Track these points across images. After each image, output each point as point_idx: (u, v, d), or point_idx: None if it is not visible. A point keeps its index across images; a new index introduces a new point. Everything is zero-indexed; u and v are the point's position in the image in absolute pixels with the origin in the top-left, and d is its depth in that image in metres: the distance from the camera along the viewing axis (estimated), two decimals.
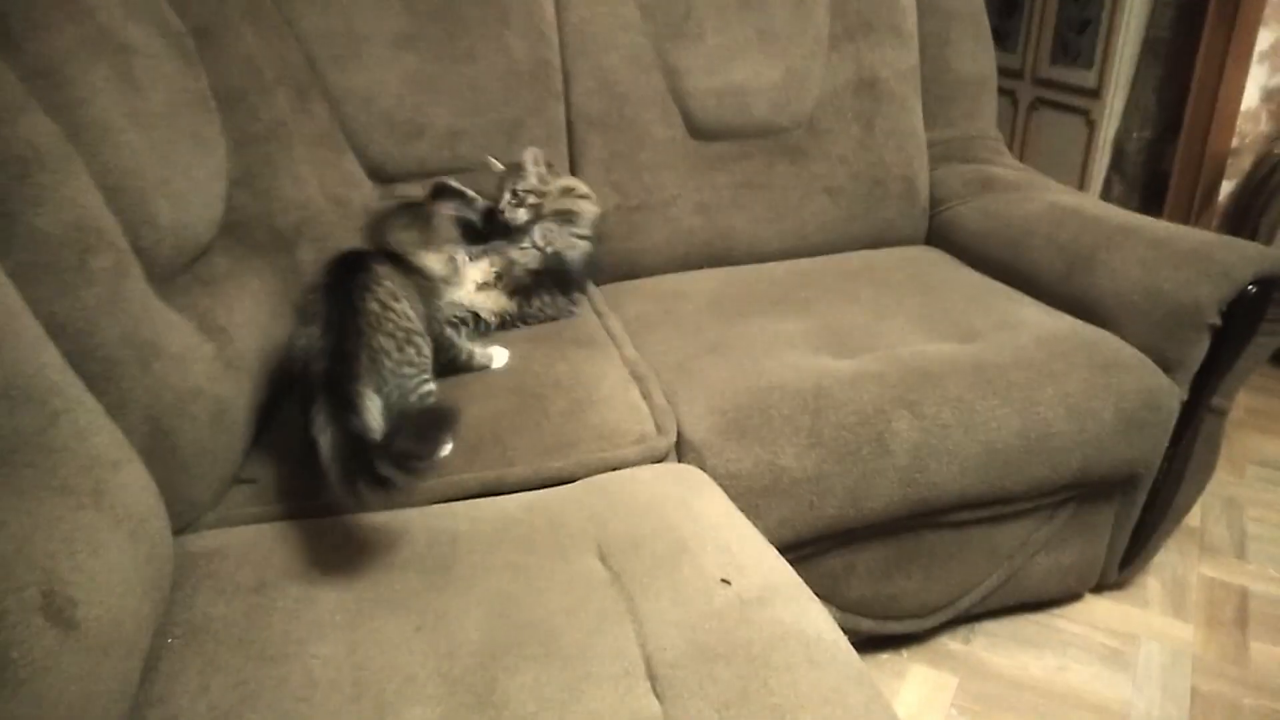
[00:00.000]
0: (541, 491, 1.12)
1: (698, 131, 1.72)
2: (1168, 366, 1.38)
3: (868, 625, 1.38)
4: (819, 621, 0.91)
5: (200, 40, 1.33)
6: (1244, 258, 1.36)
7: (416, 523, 1.03)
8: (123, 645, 0.76)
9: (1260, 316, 1.38)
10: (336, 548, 0.99)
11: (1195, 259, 1.39)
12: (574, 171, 1.68)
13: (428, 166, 1.57)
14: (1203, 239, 1.43)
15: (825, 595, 1.33)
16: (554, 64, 1.66)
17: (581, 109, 1.68)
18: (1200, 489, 1.51)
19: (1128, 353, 1.37)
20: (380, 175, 1.55)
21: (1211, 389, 1.42)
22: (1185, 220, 2.60)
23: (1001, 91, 3.32)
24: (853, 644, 1.42)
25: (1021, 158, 3.25)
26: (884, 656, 1.44)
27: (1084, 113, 2.90)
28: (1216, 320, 1.36)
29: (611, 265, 1.70)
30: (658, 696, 0.81)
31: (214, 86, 1.32)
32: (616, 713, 0.79)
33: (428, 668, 0.82)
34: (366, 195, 1.52)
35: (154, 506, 0.89)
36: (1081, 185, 2.90)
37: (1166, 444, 1.41)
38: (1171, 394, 1.37)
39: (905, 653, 1.44)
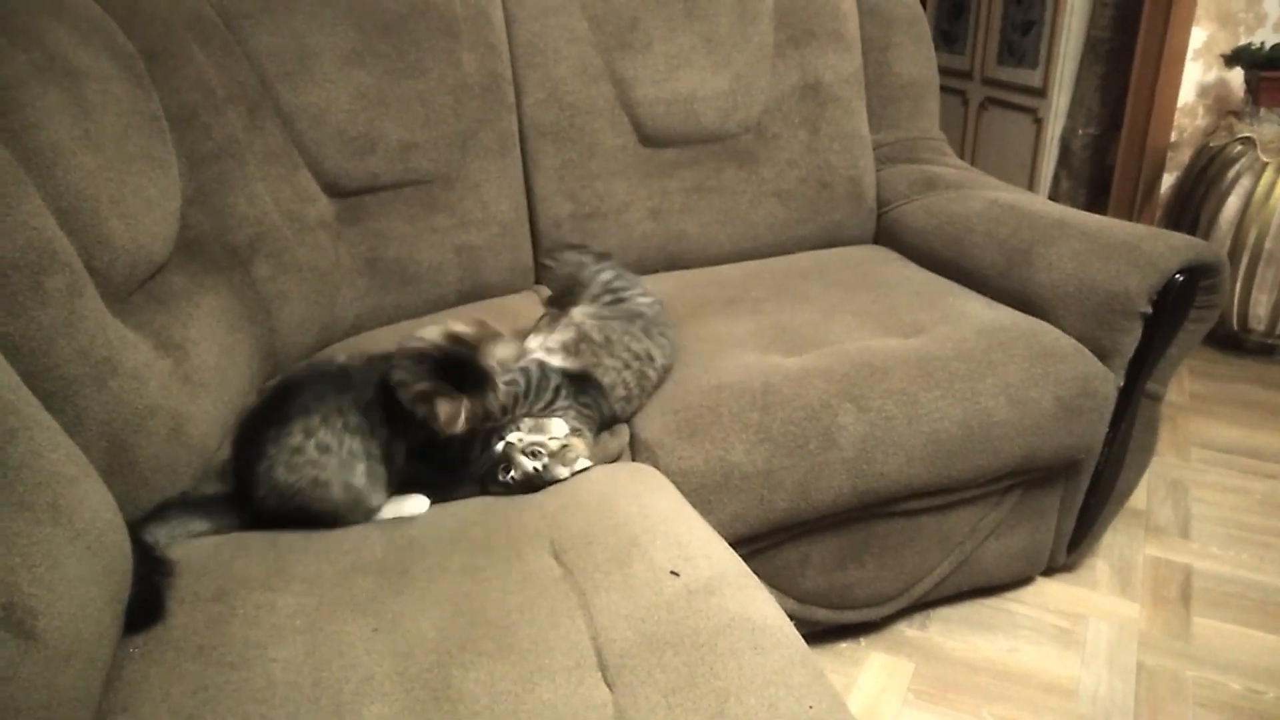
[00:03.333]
0: (495, 496, 1.15)
1: (648, 139, 1.76)
2: (1103, 354, 1.43)
3: (824, 615, 1.42)
4: (765, 609, 0.94)
5: (151, 62, 1.34)
6: (1171, 248, 1.41)
7: (374, 529, 1.06)
8: (83, 655, 0.77)
9: (1188, 304, 1.44)
10: (295, 556, 1.01)
11: (1125, 251, 1.44)
12: (527, 181, 1.71)
13: (382, 180, 1.60)
14: (1132, 231, 1.49)
15: (781, 587, 1.37)
16: (505, 76, 1.69)
17: (533, 120, 1.71)
18: (1141, 471, 1.57)
19: (1065, 342, 1.42)
20: (335, 190, 1.57)
21: (1146, 375, 1.47)
22: (1129, 213, 2.69)
23: (952, 92, 3.41)
24: (810, 634, 1.48)
25: (973, 156, 3.34)
26: (842, 645, 1.48)
27: (1031, 111, 2.98)
28: (1147, 309, 1.41)
29: None
30: (608, 685, 0.84)
31: (166, 107, 1.34)
32: (568, 703, 0.82)
33: (385, 667, 0.85)
34: (322, 210, 1.55)
35: (112, 520, 0.90)
36: (1031, 181, 2.98)
37: (1106, 429, 1.46)
38: (1107, 380, 1.42)
39: (863, 641, 1.49)
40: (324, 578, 0.97)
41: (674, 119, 1.76)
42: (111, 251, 1.09)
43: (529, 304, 1.62)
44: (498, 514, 1.09)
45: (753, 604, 0.94)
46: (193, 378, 1.16)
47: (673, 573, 0.96)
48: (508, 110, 1.69)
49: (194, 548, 1.02)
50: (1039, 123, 2.94)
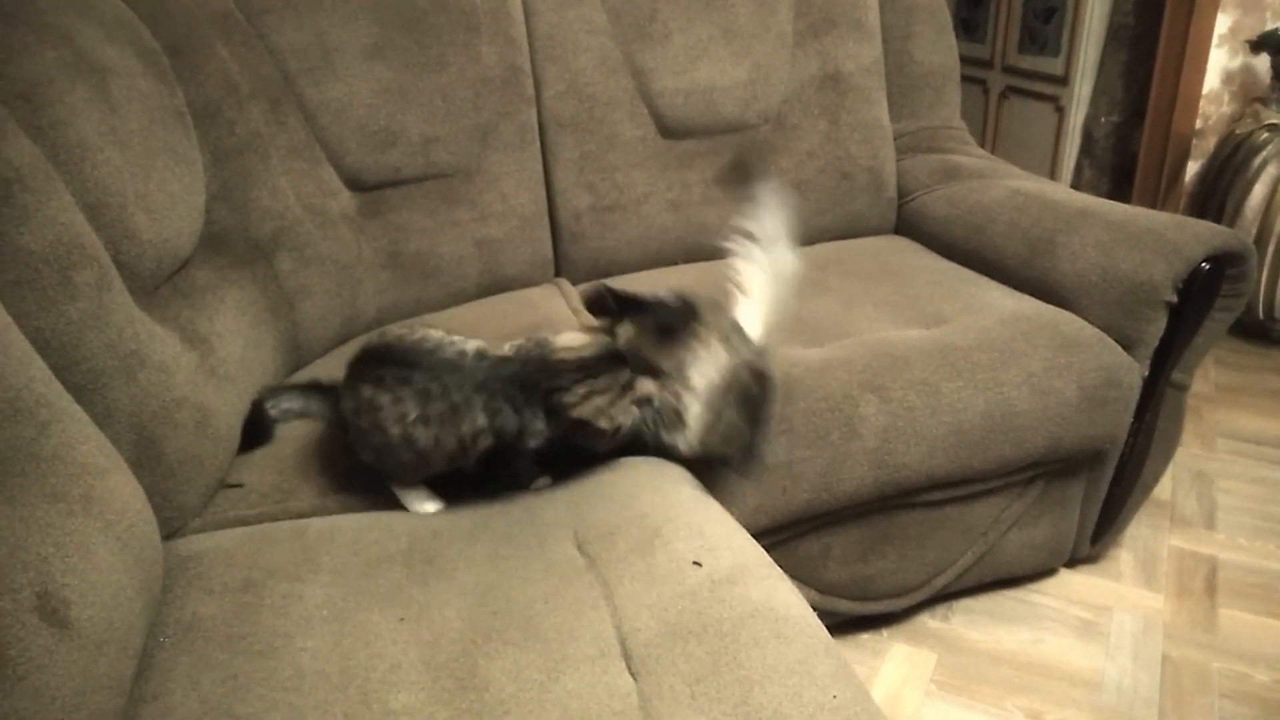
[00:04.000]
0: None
1: (667, 130, 1.76)
2: (1127, 344, 1.42)
3: (846, 606, 1.42)
4: (787, 598, 0.94)
5: (175, 58, 1.36)
6: (1196, 237, 1.40)
7: (399, 521, 1.07)
8: (115, 643, 0.79)
9: (1214, 293, 1.42)
10: (322, 546, 1.02)
11: (1149, 239, 1.43)
12: (547, 173, 1.72)
13: (403, 174, 1.61)
14: (1156, 220, 1.47)
15: (803, 578, 1.37)
16: (524, 69, 1.69)
17: (553, 112, 1.71)
18: (1166, 462, 1.56)
19: (1088, 332, 1.41)
20: (357, 184, 1.58)
21: (1171, 364, 1.46)
22: (1153, 201, 2.65)
23: (973, 81, 3.38)
24: (833, 625, 1.47)
25: (994, 145, 3.31)
26: (864, 636, 1.48)
27: (1053, 99, 2.95)
28: (1172, 298, 1.40)
29: (586, 264, 1.73)
30: (633, 674, 0.85)
31: (190, 102, 1.35)
32: (593, 691, 0.83)
33: (411, 656, 0.86)
34: (344, 204, 1.56)
35: (142, 512, 0.92)
36: (1053, 170, 2.95)
37: (1130, 419, 1.45)
38: (1132, 370, 1.41)
39: (885, 632, 1.48)
40: (350, 568, 0.98)
41: (693, 110, 1.75)
42: (138, 246, 1.11)
43: (549, 297, 1.63)
44: (520, 505, 1.10)
45: (775, 594, 0.94)
46: (218, 370, 1.17)
47: (695, 563, 0.97)
48: (527, 103, 1.70)
49: (222, 539, 1.04)
50: (1061, 111, 2.91)
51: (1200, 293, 1.41)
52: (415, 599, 0.93)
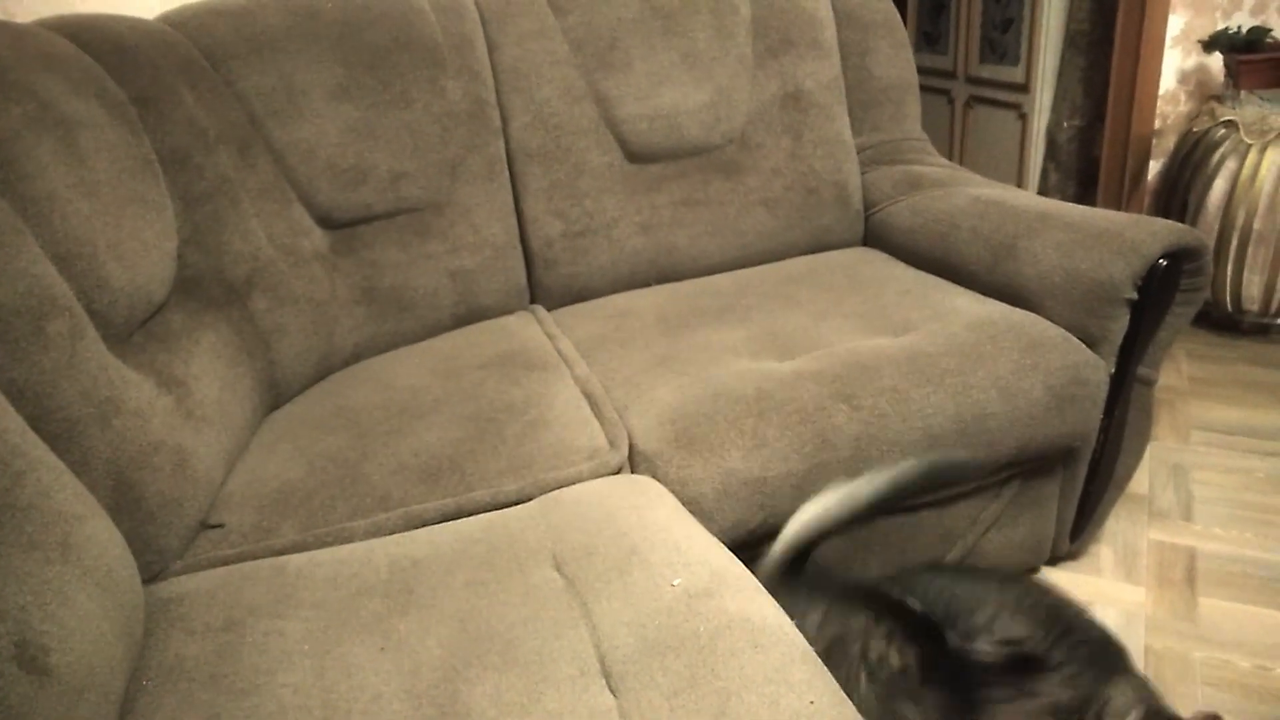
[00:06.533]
0: (500, 511, 1.16)
1: (634, 155, 1.78)
2: (1092, 342, 1.44)
3: None
4: (764, 609, 0.95)
5: (142, 107, 1.38)
6: (1152, 234, 1.43)
7: (378, 552, 1.08)
8: (96, 689, 0.79)
9: (1174, 288, 1.45)
10: (303, 582, 1.02)
11: (1108, 239, 1.46)
12: (517, 203, 1.74)
13: (374, 210, 1.63)
14: (1114, 220, 1.51)
15: None
16: (490, 102, 1.72)
17: (520, 143, 1.74)
18: (1138, 456, 1.58)
19: (1053, 332, 1.44)
20: (329, 222, 1.60)
21: (1136, 360, 1.49)
22: (1117, 202, 2.70)
23: (937, 91, 3.44)
24: None
25: (961, 154, 3.36)
26: None
27: (1016, 107, 3.00)
28: (1133, 295, 1.43)
29: (560, 290, 1.75)
30: (612, 691, 0.86)
31: (158, 150, 1.37)
32: (574, 711, 0.84)
33: (393, 686, 0.87)
34: (316, 242, 1.58)
35: (121, 557, 0.93)
36: (1019, 176, 3.00)
37: (1100, 416, 1.47)
38: (1098, 368, 1.43)
39: None
40: (331, 602, 0.99)
41: (658, 134, 1.78)
42: (111, 294, 1.12)
43: (525, 325, 1.65)
44: (499, 530, 1.11)
45: (752, 604, 0.96)
46: (195, 413, 1.19)
47: (673, 579, 0.98)
48: (494, 135, 1.72)
49: (203, 580, 1.04)
50: (1024, 118, 2.96)
51: (1160, 289, 1.44)
52: (396, 629, 0.94)
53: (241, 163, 1.50)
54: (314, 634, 0.94)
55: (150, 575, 1.04)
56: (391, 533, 1.13)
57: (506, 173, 1.74)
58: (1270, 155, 2.25)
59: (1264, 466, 1.86)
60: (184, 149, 1.41)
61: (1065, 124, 2.88)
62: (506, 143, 1.74)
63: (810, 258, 1.85)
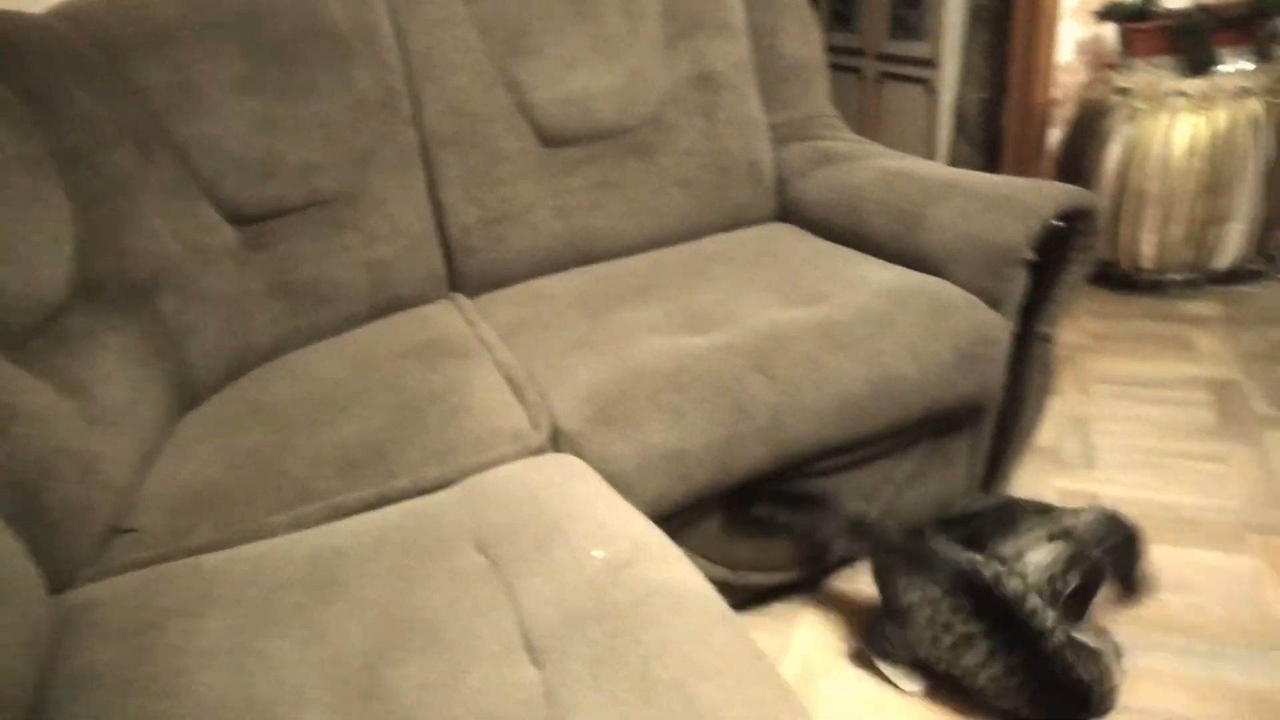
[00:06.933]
0: (422, 498, 1.17)
1: (548, 140, 1.79)
2: (995, 303, 1.50)
3: (757, 579, 1.47)
4: (684, 575, 0.98)
5: (31, 105, 1.33)
6: (1046, 197, 1.49)
7: (299, 545, 1.07)
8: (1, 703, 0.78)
9: (1068, 248, 1.52)
10: (219, 580, 1.01)
11: (1006, 204, 1.52)
12: (432, 191, 1.73)
13: (285, 204, 1.60)
14: (1012, 185, 1.56)
15: (713, 557, 1.41)
16: (400, 90, 1.70)
17: (433, 131, 1.73)
18: (1041, 410, 1.65)
19: (958, 295, 1.49)
20: (239, 217, 1.57)
21: (1037, 319, 1.55)
22: (1022, 170, 2.80)
23: (849, 69, 3.51)
24: (747, 599, 1.52)
25: (875, 129, 3.43)
26: (778, 606, 1.53)
27: (924, 81, 3.08)
28: (1031, 256, 1.49)
29: (480, 276, 1.75)
30: (536, 665, 0.87)
31: (50, 148, 1.33)
32: (499, 686, 0.85)
33: (314, 676, 0.87)
34: (226, 239, 1.54)
35: (21, 568, 0.90)
36: (930, 149, 3.08)
37: (1004, 374, 1.53)
38: (1001, 327, 1.49)
39: (796, 599, 1.54)
40: (250, 598, 0.98)
41: (572, 118, 1.79)
42: (3, 299, 1.09)
43: (446, 313, 1.64)
44: (422, 516, 1.11)
45: (673, 572, 0.98)
46: (102, 417, 1.16)
47: (595, 552, 1.00)
48: (406, 124, 1.71)
49: (116, 585, 1.02)
50: (932, 92, 3.04)
51: (1056, 249, 1.51)
52: (317, 620, 0.94)
53: (142, 160, 1.46)
54: (233, 630, 0.93)
55: (59, 584, 1.02)
56: (313, 525, 1.12)
57: (420, 162, 1.73)
58: (1161, 119, 2.36)
59: (1159, 413, 1.96)
60: (79, 147, 1.37)
61: (971, 97, 2.96)
62: (419, 131, 1.73)
63: (726, 235, 1.88)
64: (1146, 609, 1.45)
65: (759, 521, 1.41)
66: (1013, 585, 1.22)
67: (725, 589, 1.43)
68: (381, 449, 1.23)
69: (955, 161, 3.05)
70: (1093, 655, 1.21)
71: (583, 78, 1.79)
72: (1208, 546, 1.57)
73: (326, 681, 0.86)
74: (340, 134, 1.64)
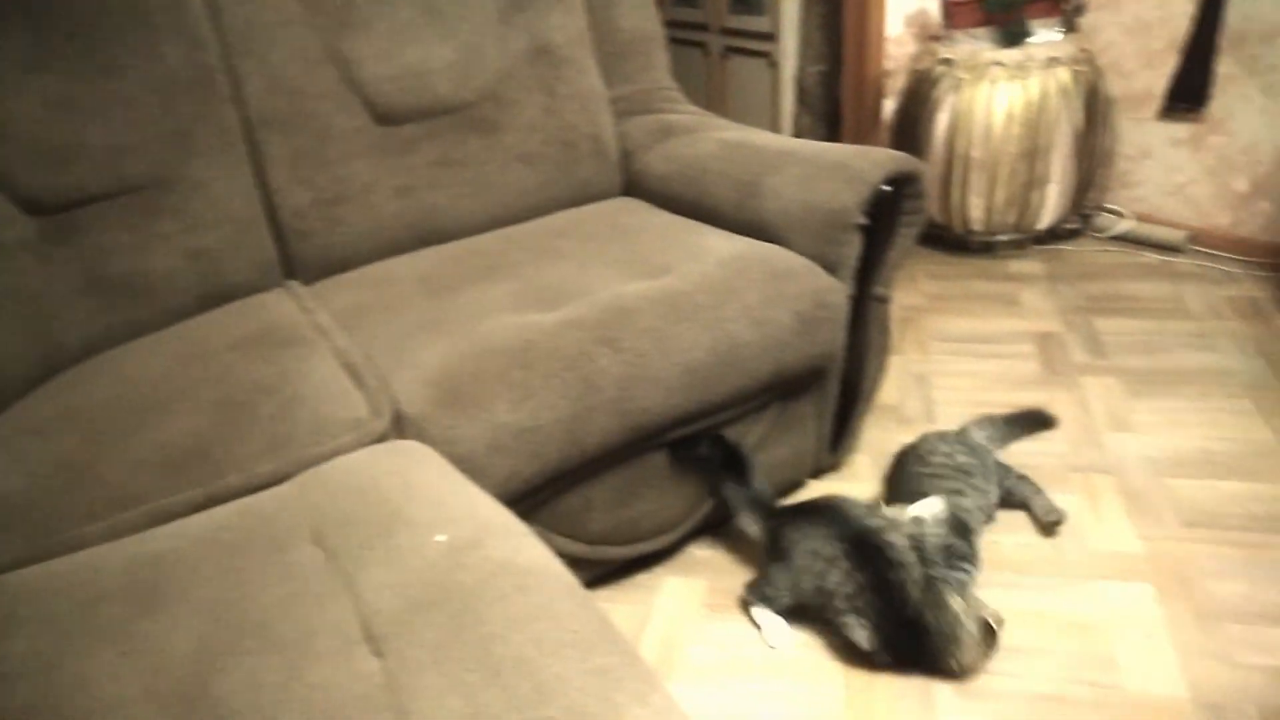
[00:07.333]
0: (255, 495, 1.11)
1: (383, 117, 1.72)
2: (831, 267, 1.56)
3: (616, 553, 1.48)
4: (530, 552, 0.97)
5: None
6: (874, 163, 1.55)
7: (114, 554, 1.00)
8: None
9: (898, 212, 1.59)
10: (25, 598, 0.94)
11: (838, 171, 1.57)
12: (260, 174, 1.64)
13: (91, 191, 1.48)
14: (843, 153, 1.62)
15: (569, 533, 1.41)
16: (215, 67, 1.60)
17: (256, 110, 1.64)
18: (882, 370, 1.73)
19: (796, 261, 1.54)
20: (36, 208, 1.44)
21: (872, 281, 1.62)
22: (859, 140, 2.91)
23: (694, 44, 3.55)
24: (606, 573, 1.53)
25: (722, 103, 3.49)
26: (639, 577, 1.55)
27: (765, 55, 3.15)
28: (863, 220, 1.55)
29: (317, 261, 1.68)
30: (377, 655, 0.85)
31: None
32: (337, 680, 0.82)
33: (133, 690, 0.81)
34: (21, 231, 1.42)
35: None
36: (774, 122, 3.16)
37: (844, 336, 1.59)
38: (838, 291, 1.55)
39: (657, 569, 1.56)
40: (61, 614, 0.91)
41: (406, 94, 1.73)
42: None
43: (279, 301, 1.56)
44: (254, 514, 1.06)
45: (519, 551, 0.97)
46: None
47: (438, 536, 0.98)
48: (225, 103, 1.61)
49: None
50: (774, 66, 3.11)
51: (886, 213, 1.57)
52: (138, 631, 0.88)
53: None
54: (41, 651, 0.86)
55: None
56: (132, 533, 1.05)
57: (243, 143, 1.63)
58: (982, 89, 2.49)
59: (990, 367, 2.09)
60: None
61: (810, 69, 3.05)
62: (241, 111, 1.63)
63: (573, 211, 1.87)
64: (992, 550, 1.54)
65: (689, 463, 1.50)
66: (874, 523, 1.34)
67: (584, 564, 1.46)
68: (208, 447, 1.17)
69: (799, 132, 3.14)
70: (945, 608, 1.28)
71: (415, 52, 1.74)
72: None
73: (148, 695, 0.80)
74: (149, 115, 1.53)
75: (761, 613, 1.43)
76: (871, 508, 1.42)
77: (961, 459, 1.57)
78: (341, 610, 0.90)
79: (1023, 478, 1.63)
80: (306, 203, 1.66)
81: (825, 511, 1.39)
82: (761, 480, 1.50)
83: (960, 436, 1.64)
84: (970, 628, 1.28)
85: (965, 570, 1.39)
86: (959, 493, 1.51)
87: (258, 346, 1.38)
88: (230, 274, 1.60)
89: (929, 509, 1.43)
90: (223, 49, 1.62)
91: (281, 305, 1.54)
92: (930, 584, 1.29)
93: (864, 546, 1.33)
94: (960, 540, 1.42)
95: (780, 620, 1.42)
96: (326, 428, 1.20)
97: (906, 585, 1.29)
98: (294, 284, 1.64)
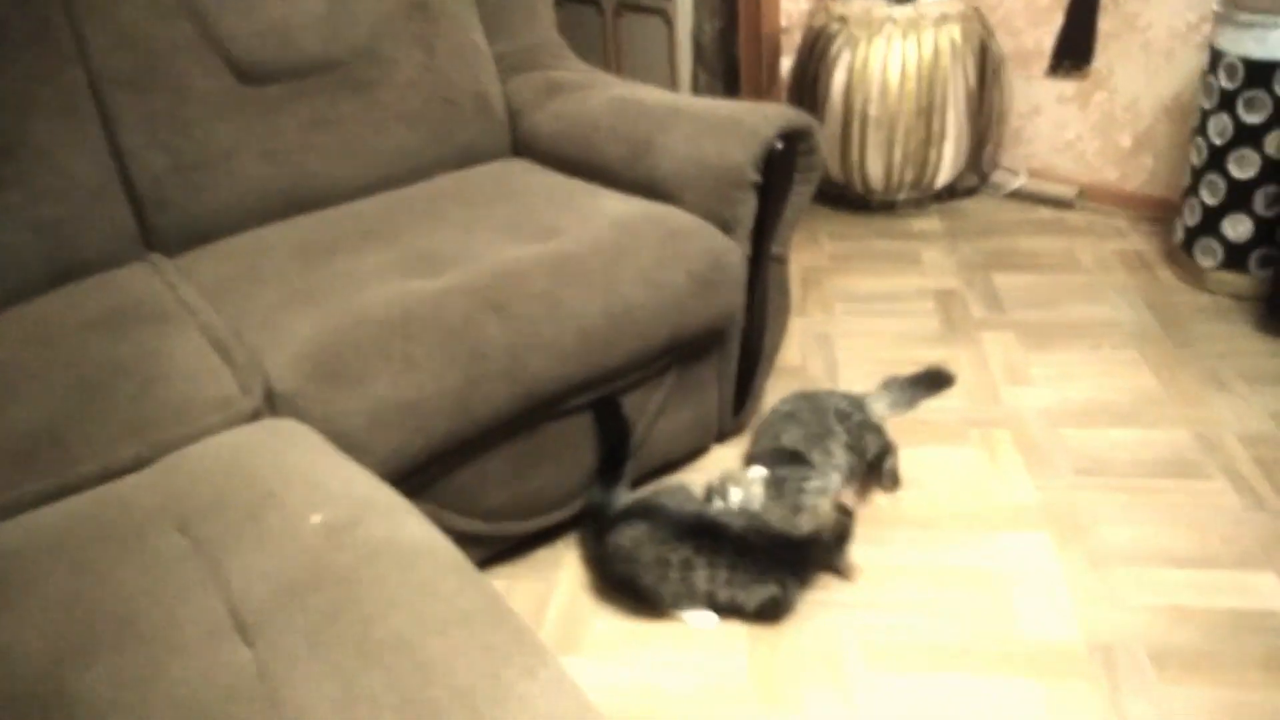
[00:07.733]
0: (113, 482, 1.03)
1: (246, 76, 1.61)
2: (726, 227, 1.53)
3: (514, 528, 1.44)
4: (413, 528, 0.93)
5: None
6: (766, 119, 1.53)
7: None
8: None
9: (792, 168, 1.57)
10: None
11: (729, 127, 1.54)
12: (111, 138, 1.51)
13: None
14: (735, 109, 1.59)
15: (464, 510, 1.37)
16: (57, 23, 1.47)
17: (104, 70, 1.50)
18: (782, 330, 1.73)
19: (690, 221, 1.51)
20: None
21: (768, 240, 1.61)
22: (759, 98, 2.89)
23: (586, 1, 3.46)
24: (506, 550, 1.49)
25: (617, 63, 3.42)
26: (540, 553, 1.51)
27: (661, 12, 3.09)
28: (757, 178, 1.53)
29: (181, 232, 1.56)
30: (248, 644, 0.80)
31: None
32: (205, 673, 0.77)
33: None
34: None
35: None
36: (672, 80, 3.11)
37: (743, 296, 1.58)
38: (734, 251, 1.53)
39: (560, 543, 1.53)
40: None
41: (270, 51, 1.62)
42: None
43: (139, 276, 1.45)
44: (112, 502, 0.99)
45: (400, 528, 0.92)
46: None
47: (314, 517, 0.92)
48: (68, 61, 1.48)
49: None
50: (669, 23, 3.06)
51: (780, 170, 1.55)
52: None
53: None
54: None
55: None
56: None
57: (92, 104, 1.50)
58: (877, 46, 2.50)
59: (891, 325, 2.12)
60: None
61: (706, 27, 3.02)
62: (87, 69, 1.50)
63: (458, 173, 1.79)
64: (882, 508, 1.56)
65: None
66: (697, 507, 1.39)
67: (482, 541, 1.41)
68: (60, 433, 1.08)
69: (697, 91, 3.10)
70: (799, 510, 1.36)
71: (279, 5, 1.63)
72: (935, 443, 1.71)
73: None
74: None
75: (680, 612, 1.39)
76: (684, 491, 1.47)
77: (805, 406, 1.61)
78: (209, 599, 0.84)
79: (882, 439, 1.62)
80: (164, 169, 1.54)
81: (649, 515, 1.38)
82: (623, 487, 1.48)
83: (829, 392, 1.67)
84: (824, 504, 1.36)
85: (810, 479, 1.41)
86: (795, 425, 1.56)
87: (115, 324, 1.28)
88: (83, 248, 1.48)
89: (750, 478, 1.44)
90: (65, 2, 1.48)
91: (142, 280, 1.43)
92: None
93: (705, 530, 1.35)
94: (793, 467, 1.44)
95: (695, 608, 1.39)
96: (191, 408, 1.12)
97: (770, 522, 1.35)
98: (156, 257, 1.53)
